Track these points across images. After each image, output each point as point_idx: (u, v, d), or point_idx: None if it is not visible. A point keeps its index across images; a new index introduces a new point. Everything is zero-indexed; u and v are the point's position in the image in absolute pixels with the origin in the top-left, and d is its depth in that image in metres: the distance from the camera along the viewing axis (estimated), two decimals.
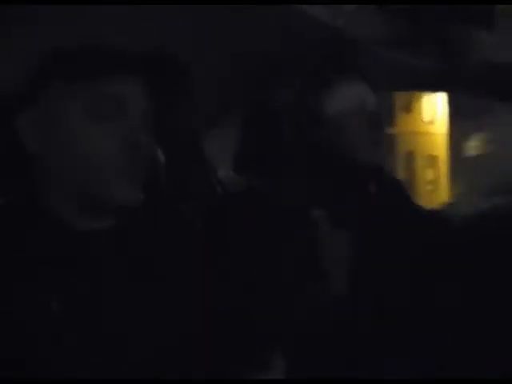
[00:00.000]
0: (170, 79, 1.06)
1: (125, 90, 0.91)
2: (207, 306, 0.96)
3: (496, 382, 1.17)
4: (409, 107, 15.22)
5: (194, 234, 1.07)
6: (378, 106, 1.51)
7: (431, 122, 15.74)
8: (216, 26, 1.42)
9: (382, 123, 1.49)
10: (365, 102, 1.48)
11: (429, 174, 15.50)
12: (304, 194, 1.45)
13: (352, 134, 1.47)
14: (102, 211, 0.92)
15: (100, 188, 0.89)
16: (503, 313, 1.37)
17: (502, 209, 1.65)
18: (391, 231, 1.48)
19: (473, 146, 9.57)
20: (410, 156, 15.53)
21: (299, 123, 1.53)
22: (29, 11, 1.26)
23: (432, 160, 15.65)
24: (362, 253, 1.37)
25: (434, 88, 1.87)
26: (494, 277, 1.45)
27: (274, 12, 1.39)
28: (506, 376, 1.16)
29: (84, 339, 0.85)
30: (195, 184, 2.13)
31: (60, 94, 0.90)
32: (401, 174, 13.30)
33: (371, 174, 1.51)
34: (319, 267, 1.33)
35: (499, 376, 1.16)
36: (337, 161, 1.48)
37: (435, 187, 14.98)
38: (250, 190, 1.63)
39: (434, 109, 15.56)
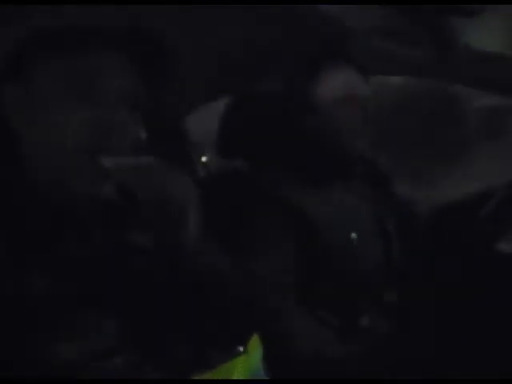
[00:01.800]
0: (152, 59, 1.00)
1: (101, 67, 0.89)
2: (190, 288, 0.94)
3: (496, 382, 1.11)
4: None
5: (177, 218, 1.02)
6: (369, 92, 1.48)
7: None
8: (205, 11, 1.36)
9: (372, 110, 1.43)
10: (356, 88, 1.42)
11: None
12: (290, 179, 1.41)
13: (342, 120, 1.42)
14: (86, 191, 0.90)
15: (72, 165, 0.87)
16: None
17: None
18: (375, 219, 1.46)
19: None
20: None
21: (288, 108, 1.48)
22: None
23: None
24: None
25: (426, 76, 1.85)
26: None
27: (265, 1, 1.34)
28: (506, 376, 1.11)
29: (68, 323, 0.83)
30: (179, 167, 2.07)
31: (38, 71, 0.89)
32: None
33: (359, 160, 1.48)
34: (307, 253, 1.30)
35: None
36: (326, 147, 1.44)
37: None
38: (235, 174, 1.62)
39: None
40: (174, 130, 2.11)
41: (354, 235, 1.36)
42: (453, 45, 1.68)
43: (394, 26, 1.69)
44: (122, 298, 0.89)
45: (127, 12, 1.03)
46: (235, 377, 0.77)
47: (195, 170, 1.94)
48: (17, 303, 0.80)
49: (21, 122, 0.89)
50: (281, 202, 1.35)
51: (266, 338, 0.85)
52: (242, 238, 1.36)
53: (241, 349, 0.81)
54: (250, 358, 0.79)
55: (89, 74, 0.88)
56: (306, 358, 1.17)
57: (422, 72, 1.79)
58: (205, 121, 1.99)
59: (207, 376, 0.78)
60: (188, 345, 0.92)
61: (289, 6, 1.39)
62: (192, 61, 1.58)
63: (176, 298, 0.92)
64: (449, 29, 1.69)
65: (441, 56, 1.68)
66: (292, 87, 1.51)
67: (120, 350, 0.86)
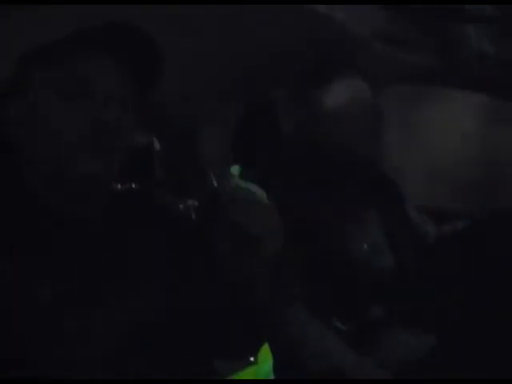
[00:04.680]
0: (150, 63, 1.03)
1: (95, 72, 0.91)
2: (194, 296, 0.94)
3: (496, 382, 1.14)
4: None
5: (187, 225, 1.06)
6: (376, 100, 1.49)
7: None
8: (215, 19, 1.39)
9: (380, 117, 1.46)
10: (363, 95, 1.47)
11: None
12: (302, 187, 1.43)
13: (350, 127, 1.45)
14: (83, 192, 0.91)
15: (69, 166, 0.89)
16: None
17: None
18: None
19: None
20: None
21: (297, 117, 1.51)
22: None
23: None
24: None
25: (432, 84, 1.84)
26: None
27: (273, 7, 1.36)
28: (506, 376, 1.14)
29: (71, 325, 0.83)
30: (191, 176, 2.11)
31: (35, 80, 0.92)
32: None
33: (369, 167, 1.49)
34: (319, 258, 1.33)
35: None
36: (335, 154, 1.46)
37: None
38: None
39: None
40: (186, 138, 2.14)
41: (365, 246, 1.39)
42: (459, 50, 1.68)
43: (398, 31, 1.70)
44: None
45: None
46: None
47: (210, 182, 1.96)
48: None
49: (21, 130, 0.92)
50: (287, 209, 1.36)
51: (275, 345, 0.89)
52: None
53: (252, 359, 0.85)
54: (261, 368, 0.84)
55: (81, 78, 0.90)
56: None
57: (428, 78, 1.79)
58: (217, 131, 2.01)
59: None
60: (199, 354, 0.94)
61: (291, 13, 1.40)
62: (201, 71, 1.62)
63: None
64: (454, 34, 1.69)
65: (447, 61, 1.68)
66: (301, 95, 1.52)
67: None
